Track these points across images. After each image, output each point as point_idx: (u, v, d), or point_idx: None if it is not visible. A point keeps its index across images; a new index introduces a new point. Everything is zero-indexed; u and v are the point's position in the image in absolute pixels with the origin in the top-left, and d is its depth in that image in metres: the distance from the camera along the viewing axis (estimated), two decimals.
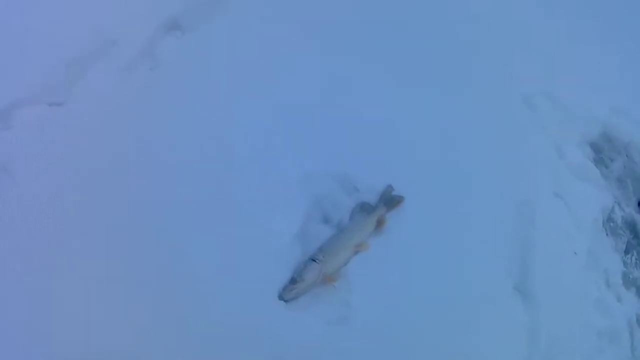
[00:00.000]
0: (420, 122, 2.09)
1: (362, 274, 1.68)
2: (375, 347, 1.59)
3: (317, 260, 1.64)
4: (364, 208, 1.81)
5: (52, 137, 1.95)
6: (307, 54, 2.23)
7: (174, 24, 2.27)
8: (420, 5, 2.59)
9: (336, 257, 1.68)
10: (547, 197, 2.12)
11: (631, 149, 2.41)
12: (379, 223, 1.78)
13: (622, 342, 1.90)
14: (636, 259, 2.16)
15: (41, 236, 1.69)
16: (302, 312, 1.60)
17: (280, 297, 1.60)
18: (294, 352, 1.54)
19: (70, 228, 1.70)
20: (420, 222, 1.82)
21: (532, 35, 2.61)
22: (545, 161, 2.23)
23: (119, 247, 1.67)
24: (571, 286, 1.93)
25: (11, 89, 2.09)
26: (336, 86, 2.12)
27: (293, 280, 1.61)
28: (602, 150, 2.39)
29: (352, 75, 2.18)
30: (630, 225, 2.24)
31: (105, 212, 1.75)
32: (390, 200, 1.83)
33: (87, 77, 2.11)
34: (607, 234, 2.17)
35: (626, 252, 2.16)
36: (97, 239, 1.69)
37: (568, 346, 1.80)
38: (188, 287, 1.59)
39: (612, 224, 2.21)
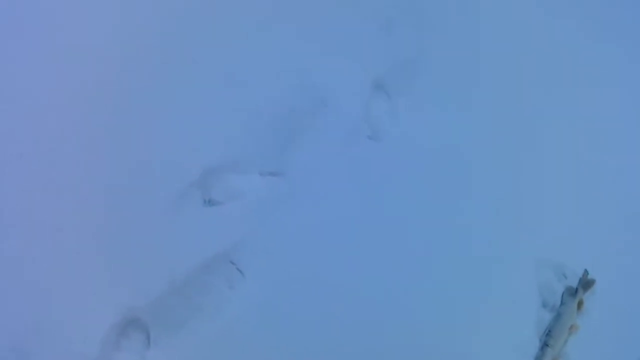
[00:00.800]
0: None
1: (576, 351, 2.04)
2: None
3: (549, 345, 1.96)
4: (570, 292, 2.12)
5: (277, 216, 1.88)
6: None
7: (379, 84, 2.19)
8: None
9: (560, 339, 2.01)
10: None
11: None
12: (579, 304, 2.12)
13: None
14: None
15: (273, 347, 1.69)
16: None
17: None
18: None
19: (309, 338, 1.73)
20: (607, 299, 2.18)
21: None
22: None
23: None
24: None
25: (208, 152, 1.93)
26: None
27: None
28: None
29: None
30: None
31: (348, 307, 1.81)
32: (586, 284, 2.16)
33: (301, 141, 2.01)
34: None
35: None
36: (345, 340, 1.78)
37: None
38: None
39: None
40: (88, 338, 1.66)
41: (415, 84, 2.27)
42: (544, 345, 1.97)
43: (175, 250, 1.77)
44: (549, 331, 2.02)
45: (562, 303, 2.12)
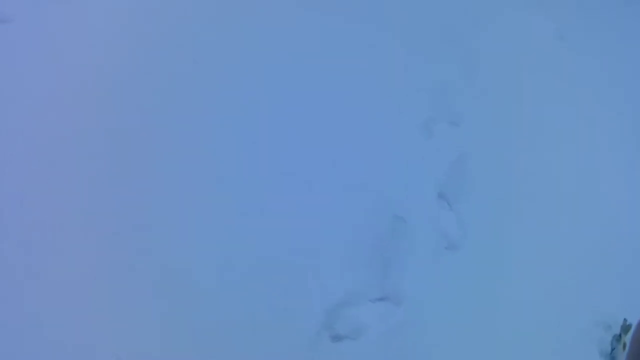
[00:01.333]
0: None
1: None
2: None
3: None
4: (616, 338, 2.67)
5: (400, 343, 2.14)
6: None
7: (440, 193, 2.54)
8: None
9: None
10: None
11: None
12: (624, 346, 2.67)
13: None
14: None
15: None
16: None
17: None
18: None
19: None
20: None
21: None
22: None
23: None
24: None
25: (320, 293, 2.17)
26: None
27: None
28: None
29: None
30: None
31: None
32: (626, 328, 2.72)
33: (396, 264, 2.33)
34: None
35: None
36: None
37: None
38: None
39: None
40: None
41: (468, 186, 2.65)
42: None
43: None
44: None
45: (612, 348, 2.67)
